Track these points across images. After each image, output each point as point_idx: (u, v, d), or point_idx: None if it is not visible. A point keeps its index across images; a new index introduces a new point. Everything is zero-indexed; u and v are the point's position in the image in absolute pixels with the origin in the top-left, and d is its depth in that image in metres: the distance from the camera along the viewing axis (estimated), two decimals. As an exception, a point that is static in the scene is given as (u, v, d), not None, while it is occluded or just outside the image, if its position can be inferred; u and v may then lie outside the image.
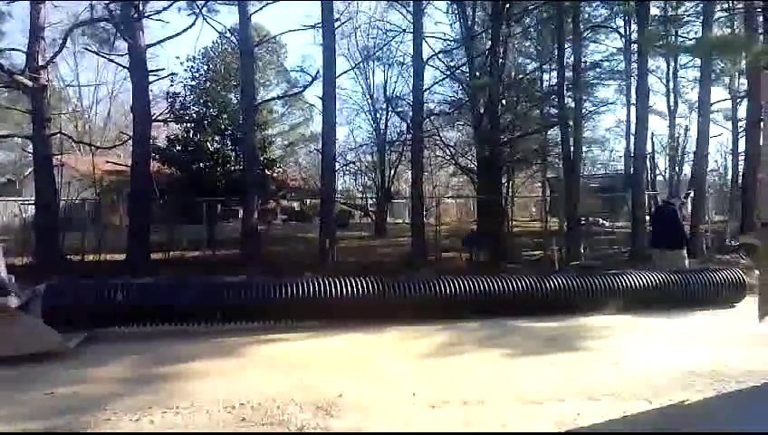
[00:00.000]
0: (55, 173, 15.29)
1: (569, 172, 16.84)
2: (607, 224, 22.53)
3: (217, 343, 7.43)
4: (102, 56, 19.06)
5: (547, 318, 8.85)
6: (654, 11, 18.51)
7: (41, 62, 14.47)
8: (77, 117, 31.64)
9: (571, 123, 17.12)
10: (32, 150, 15.31)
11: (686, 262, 11.05)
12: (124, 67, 16.26)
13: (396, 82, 26.88)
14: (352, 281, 8.45)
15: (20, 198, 23.60)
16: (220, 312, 7.98)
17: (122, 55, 16.09)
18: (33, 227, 15.52)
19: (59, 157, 17.05)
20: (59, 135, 16.62)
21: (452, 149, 23.83)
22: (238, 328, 8.10)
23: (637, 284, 9.44)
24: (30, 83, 14.12)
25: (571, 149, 16.95)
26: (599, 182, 27.20)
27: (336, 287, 8.30)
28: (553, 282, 9.22)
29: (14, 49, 16.18)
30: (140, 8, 15.14)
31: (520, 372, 6.18)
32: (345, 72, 21.48)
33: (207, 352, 7.01)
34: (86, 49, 20.00)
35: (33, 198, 15.39)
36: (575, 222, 16.29)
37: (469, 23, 20.07)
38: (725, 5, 18.43)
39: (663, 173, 29.06)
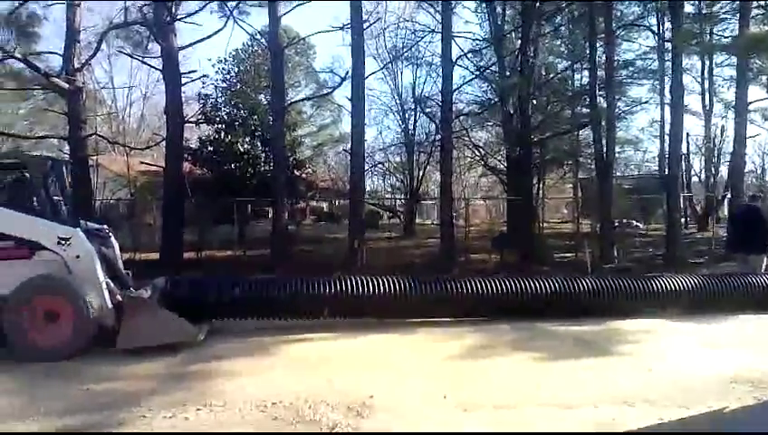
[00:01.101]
0: (91, 174, 15.63)
1: (601, 173, 16.55)
2: (641, 226, 22.08)
3: (249, 342, 7.49)
4: (136, 59, 19.45)
5: (580, 322, 8.71)
6: (688, 8, 18.12)
7: (76, 65, 14.85)
8: (112, 118, 32.25)
9: (603, 123, 16.84)
10: (68, 151, 15.67)
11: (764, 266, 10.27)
12: (157, 69, 16.58)
13: (424, 83, 26.81)
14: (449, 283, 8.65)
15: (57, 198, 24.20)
16: (327, 308, 8.20)
17: (156, 58, 16.41)
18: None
19: (94, 157, 17.45)
20: (94, 136, 17.02)
21: (481, 150, 23.66)
22: (270, 327, 8.16)
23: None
24: (66, 86, 14.49)
25: (604, 149, 16.66)
26: (632, 183, 26.63)
27: (429, 288, 8.49)
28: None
29: (51, 52, 16.61)
30: (173, 11, 15.40)
31: (553, 376, 6.08)
32: (374, 73, 21.50)
33: (239, 351, 7.07)
34: (120, 51, 20.42)
35: (70, 198, 15.76)
36: (608, 224, 16.00)
37: (499, 22, 19.91)
38: (762, 2, 17.89)
39: (698, 174, 28.41)
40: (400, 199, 27.92)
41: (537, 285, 8.85)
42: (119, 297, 7.29)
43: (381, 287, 8.36)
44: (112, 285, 7.38)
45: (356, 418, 4.88)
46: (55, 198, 7.87)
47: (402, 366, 6.52)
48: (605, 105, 17.27)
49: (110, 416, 4.91)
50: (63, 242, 7.06)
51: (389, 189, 32.02)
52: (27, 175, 7.64)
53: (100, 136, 18.63)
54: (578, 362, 6.60)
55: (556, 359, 6.83)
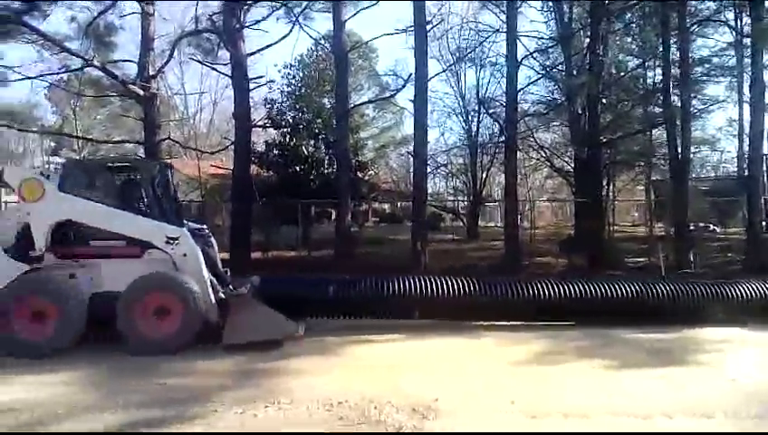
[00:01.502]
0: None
1: (676, 175, 15.82)
2: (718, 230, 20.96)
3: (316, 342, 7.58)
4: (206, 65, 20.08)
5: (653, 329, 8.37)
6: (768, 3, 17.05)
7: (151, 72, 15.47)
8: (183, 123, 33.57)
9: (677, 122, 16.09)
10: (143, 155, 16.36)
11: None
12: (226, 75, 17.06)
13: (488, 83, 26.44)
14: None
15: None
16: (417, 310, 8.34)
17: (225, 64, 16.89)
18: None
19: (168, 161, 18.13)
20: (167, 141, 17.66)
21: (547, 151, 23.11)
22: (338, 327, 8.26)
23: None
24: (141, 92, 15.11)
25: (679, 149, 15.91)
26: (709, 185, 25.34)
27: (530, 291, 8.48)
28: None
29: (127, 60, 17.36)
30: (242, 18, 15.83)
31: (625, 385, 5.85)
32: (437, 75, 21.28)
33: (306, 350, 7.18)
34: (191, 58, 21.18)
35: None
36: (684, 228, 15.27)
37: (566, 20, 19.39)
38: None
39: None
40: (463, 201, 27.66)
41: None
42: (221, 294, 7.66)
43: (480, 289, 8.41)
44: (215, 281, 7.77)
45: (421, 420, 4.86)
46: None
47: (468, 370, 6.45)
48: (679, 104, 16.49)
49: (183, 410, 5.09)
50: (172, 241, 7.49)
51: (452, 191, 31.80)
52: (137, 177, 8.08)
53: (172, 140, 19.31)
54: (652, 371, 6.34)
55: (629, 367, 6.58)
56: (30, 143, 38.76)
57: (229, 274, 8.43)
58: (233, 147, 16.79)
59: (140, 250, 7.60)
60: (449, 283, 8.44)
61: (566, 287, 8.55)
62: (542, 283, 8.68)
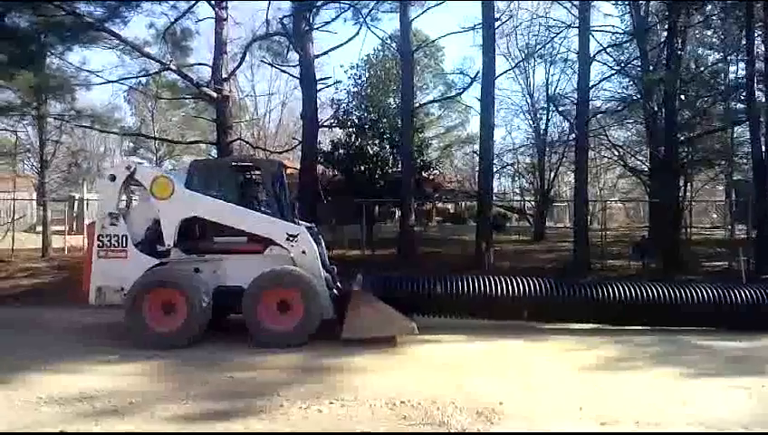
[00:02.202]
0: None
1: (759, 175, 14.89)
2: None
3: (379, 339, 7.49)
4: (276, 67, 20.59)
5: (731, 337, 7.95)
6: None
7: (224, 75, 16.00)
8: (253, 124, 34.56)
9: (761, 120, 15.15)
10: (216, 155, 16.94)
11: None
12: (295, 77, 17.45)
13: (558, 80, 25.73)
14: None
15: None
16: (526, 310, 8.35)
17: (293, 66, 17.26)
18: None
19: (282, 160, 18.65)
20: (239, 141, 18.22)
21: (620, 150, 22.28)
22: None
23: None
24: (214, 95, 15.66)
25: (762, 148, 14.98)
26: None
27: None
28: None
29: (200, 64, 18.01)
30: (311, 21, 16.13)
31: (700, 394, 5.57)
32: (504, 73, 20.93)
33: (369, 348, 7.21)
34: (262, 61, 21.77)
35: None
36: (766, 231, 14.36)
37: (642, 13, 18.61)
38: None
39: None
40: (530, 201, 27.07)
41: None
42: (334, 291, 7.97)
43: (588, 292, 8.33)
44: (329, 278, 8.08)
45: (485, 423, 4.79)
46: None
47: (534, 373, 6.32)
48: (764, 100, 15.52)
49: (250, 403, 5.23)
50: (292, 238, 7.83)
51: (518, 191, 31.17)
52: (259, 176, 8.50)
53: (243, 141, 19.97)
54: (729, 381, 6.01)
55: (704, 376, 6.28)
56: (110, 143, 40.82)
57: (335, 270, 8.61)
58: (300, 147, 17.13)
59: (262, 247, 7.95)
60: (558, 285, 8.44)
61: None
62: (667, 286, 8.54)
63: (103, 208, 7.98)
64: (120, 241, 7.78)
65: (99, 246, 7.79)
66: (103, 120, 18.27)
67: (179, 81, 17.48)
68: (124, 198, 8.35)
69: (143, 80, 21.07)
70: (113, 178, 8.08)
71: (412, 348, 7.29)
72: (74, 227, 20.51)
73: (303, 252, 7.79)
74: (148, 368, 6.45)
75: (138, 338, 7.36)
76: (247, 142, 21.97)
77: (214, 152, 18.04)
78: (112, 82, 17.16)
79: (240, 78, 32.55)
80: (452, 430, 4.65)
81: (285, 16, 16.71)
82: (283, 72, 19.69)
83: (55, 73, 15.54)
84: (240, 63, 17.59)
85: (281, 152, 23.33)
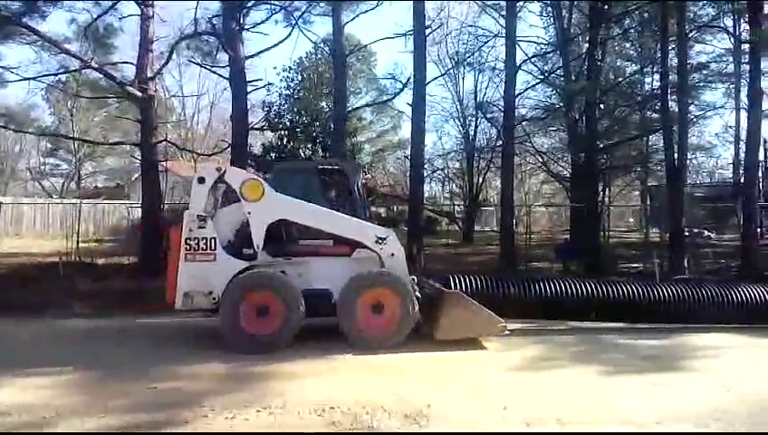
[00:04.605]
0: (161, 178, 16.17)
1: (672, 181, 15.84)
2: (713, 236, 21.00)
3: (311, 345, 7.44)
4: (205, 68, 20.03)
5: (647, 335, 8.40)
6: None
7: (149, 74, 15.42)
8: (181, 126, 33.51)
9: (674, 128, 16.13)
10: (140, 157, 16.30)
11: None
12: (224, 78, 17.02)
13: (486, 88, 26.50)
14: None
15: (128, 202, 25.32)
16: (594, 311, 8.59)
17: (223, 67, 16.87)
18: (139, 228, 16.47)
19: (164, 163, 18.09)
20: (164, 142, 17.59)
21: (544, 156, 23.13)
22: (330, 330, 8.18)
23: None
24: (139, 94, 15.04)
25: (675, 156, 15.94)
26: (704, 192, 25.42)
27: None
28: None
29: (125, 62, 17.24)
30: (241, 21, 15.81)
31: (619, 392, 5.84)
32: (435, 79, 21.38)
33: (301, 354, 7.10)
34: (190, 61, 21.09)
35: (140, 202, 16.37)
36: (678, 234, 15.29)
37: (565, 25, 19.43)
38: None
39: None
40: (459, 206, 27.64)
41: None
42: (417, 293, 7.94)
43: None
44: (413, 280, 8.10)
45: (413, 426, 4.83)
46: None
47: (463, 375, 6.43)
48: (677, 110, 16.52)
49: (173, 415, 5.04)
50: (381, 241, 7.84)
51: (448, 195, 31.77)
52: (344, 179, 8.37)
53: (169, 142, 19.25)
54: (646, 378, 6.33)
55: (623, 373, 6.58)
56: (26, 144, 38.61)
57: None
58: (230, 149, 16.76)
59: (350, 249, 7.89)
60: (620, 287, 8.82)
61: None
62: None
63: (192, 211, 7.74)
64: (209, 244, 7.62)
65: (186, 249, 7.56)
66: (19, 119, 17.20)
67: (102, 79, 16.72)
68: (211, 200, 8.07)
69: (63, 77, 20.09)
70: (202, 180, 7.89)
71: (344, 353, 7.24)
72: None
73: (392, 254, 7.86)
74: (64, 380, 6.09)
75: (233, 342, 7.29)
76: (173, 144, 21.26)
77: (138, 154, 17.34)
78: (29, 79, 16.10)
79: (167, 78, 31.59)
80: (381, 435, 4.66)
81: (214, 16, 16.30)
82: (213, 72, 19.14)
83: (-34, 69, 14.56)
84: (166, 62, 16.98)
85: (209, 155, 22.64)
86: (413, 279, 8.10)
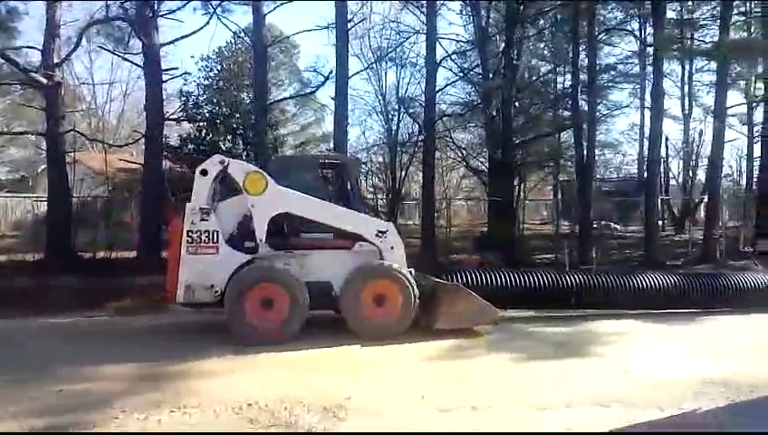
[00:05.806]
0: (68, 170, 15.32)
1: (581, 175, 16.71)
2: (619, 228, 22.33)
3: (229, 342, 7.29)
4: (117, 55, 19.17)
5: (557, 323, 8.83)
6: (670, 14, 18.35)
7: (56, 61, 14.56)
8: (91, 115, 31.74)
9: (584, 126, 16.99)
10: (45, 148, 15.39)
11: None
12: (138, 66, 16.36)
13: (408, 83, 26.69)
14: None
15: (33, 195, 23.76)
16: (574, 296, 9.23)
17: (137, 54, 16.18)
18: (45, 223, 15.58)
19: (72, 154, 17.12)
20: (72, 132, 16.68)
21: (463, 151, 23.68)
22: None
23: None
24: (45, 81, 14.19)
25: (584, 152, 16.81)
26: (611, 186, 26.99)
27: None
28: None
29: (30, 47, 16.23)
30: (155, 7, 15.20)
31: (530, 377, 6.13)
32: (358, 73, 21.35)
33: (219, 351, 6.94)
34: (101, 47, 20.08)
35: (46, 195, 15.46)
36: (587, 226, 16.16)
37: (483, 24, 19.95)
38: (742, 9, 18.20)
39: (676, 178, 28.80)
40: (382, 199, 27.84)
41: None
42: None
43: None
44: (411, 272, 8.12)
45: (332, 420, 4.86)
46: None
47: (381, 367, 6.53)
48: (586, 108, 17.40)
49: (81, 418, 4.83)
50: (381, 234, 8.04)
51: (371, 189, 31.93)
52: (344, 173, 8.45)
53: (78, 132, 18.22)
54: (556, 364, 6.66)
55: (534, 359, 6.89)
56: None
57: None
58: (143, 140, 16.11)
59: (351, 242, 8.02)
60: (652, 278, 9.53)
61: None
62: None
63: (194, 203, 7.50)
64: (211, 236, 7.58)
65: (188, 241, 7.49)
66: None
67: (4, 65, 15.62)
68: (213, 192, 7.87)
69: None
70: (205, 172, 7.83)
71: (261, 350, 7.15)
72: None
73: (392, 247, 8.04)
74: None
75: (239, 334, 7.32)
76: (82, 134, 20.17)
77: (44, 144, 16.32)
78: None
79: (77, 65, 29.90)
80: (299, 431, 4.65)
81: (126, 0, 15.58)
82: (125, 60, 18.36)
83: None
84: (75, 48, 16.11)
85: (121, 146, 21.73)
86: (411, 271, 8.25)
